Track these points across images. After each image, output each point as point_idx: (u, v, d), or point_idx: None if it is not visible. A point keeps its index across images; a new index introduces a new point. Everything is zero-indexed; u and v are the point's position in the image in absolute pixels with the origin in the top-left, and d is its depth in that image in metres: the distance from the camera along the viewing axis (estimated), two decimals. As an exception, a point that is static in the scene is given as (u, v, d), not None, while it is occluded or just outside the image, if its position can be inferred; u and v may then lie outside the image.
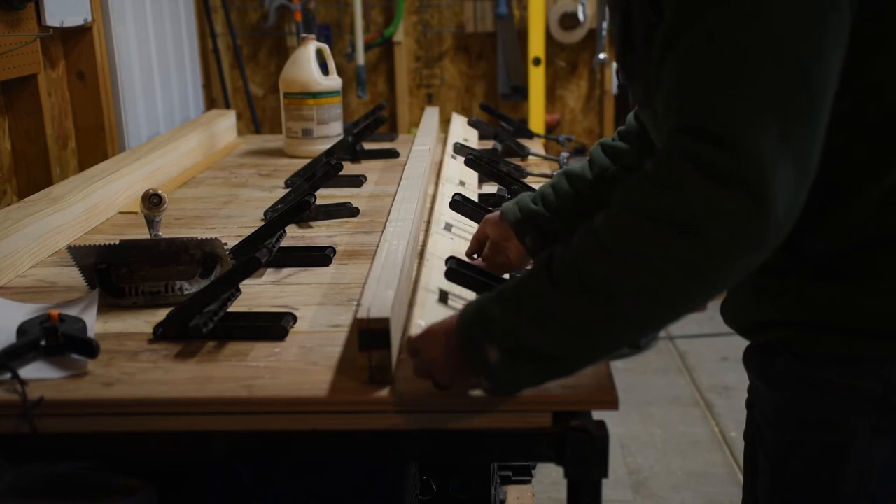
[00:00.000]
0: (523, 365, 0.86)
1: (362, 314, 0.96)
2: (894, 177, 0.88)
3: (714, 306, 1.10)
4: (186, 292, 1.22)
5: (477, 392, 0.94)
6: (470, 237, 1.39)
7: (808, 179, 0.79)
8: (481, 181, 1.87)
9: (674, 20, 0.83)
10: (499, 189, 1.74)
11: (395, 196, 1.49)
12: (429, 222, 1.53)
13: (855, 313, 0.92)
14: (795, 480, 1.00)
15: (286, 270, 1.37)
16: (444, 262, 1.23)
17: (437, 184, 1.75)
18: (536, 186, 1.71)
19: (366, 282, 1.15)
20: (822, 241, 0.92)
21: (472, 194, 1.68)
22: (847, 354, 0.93)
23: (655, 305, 0.82)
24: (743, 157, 0.76)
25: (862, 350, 0.92)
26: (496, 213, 1.32)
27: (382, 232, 1.30)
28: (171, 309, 1.13)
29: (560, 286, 0.83)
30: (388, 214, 1.40)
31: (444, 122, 2.51)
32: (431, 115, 2.39)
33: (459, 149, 1.93)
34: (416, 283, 1.25)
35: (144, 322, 1.17)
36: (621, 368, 3.20)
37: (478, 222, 1.45)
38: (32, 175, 2.02)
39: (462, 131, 2.24)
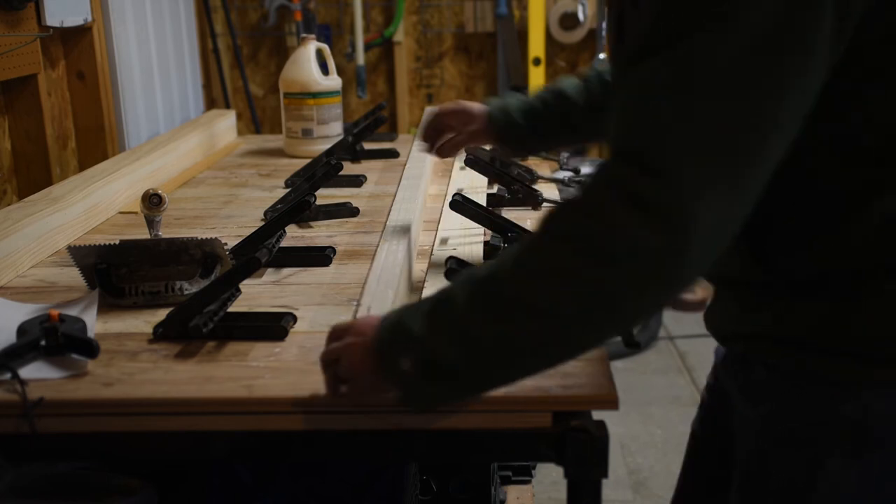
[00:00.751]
0: (438, 382, 0.85)
1: (362, 314, 0.96)
2: (888, 204, 0.86)
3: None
4: (186, 292, 1.22)
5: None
6: (470, 242, 1.39)
7: (736, 222, 0.79)
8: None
9: (643, 40, 0.82)
10: (498, 189, 1.74)
11: (394, 196, 1.50)
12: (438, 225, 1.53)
13: (839, 335, 0.90)
14: (767, 496, 0.99)
15: (286, 270, 1.37)
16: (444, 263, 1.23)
17: (448, 184, 1.76)
18: (544, 191, 1.72)
19: (366, 282, 1.15)
20: (812, 262, 0.91)
21: (482, 194, 1.69)
22: (828, 376, 0.92)
23: (569, 332, 0.81)
24: (669, 193, 0.76)
25: (843, 373, 0.91)
26: (463, 105, 1.40)
27: (382, 232, 1.30)
28: (171, 309, 1.13)
29: (477, 306, 0.82)
30: (388, 214, 1.40)
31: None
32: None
33: (469, 149, 1.93)
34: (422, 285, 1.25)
35: (144, 322, 1.17)
36: (621, 368, 3.20)
37: (479, 223, 1.45)
38: (32, 175, 2.02)
39: None
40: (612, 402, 0.95)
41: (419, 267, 1.35)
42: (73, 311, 1.13)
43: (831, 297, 0.90)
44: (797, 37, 0.77)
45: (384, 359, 0.87)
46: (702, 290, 2.66)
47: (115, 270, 1.23)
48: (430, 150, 1.45)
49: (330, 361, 0.92)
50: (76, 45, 2.21)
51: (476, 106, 1.39)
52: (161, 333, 1.11)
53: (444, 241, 1.42)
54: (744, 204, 0.79)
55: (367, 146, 2.23)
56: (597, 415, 0.97)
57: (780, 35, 0.76)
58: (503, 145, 1.42)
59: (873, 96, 0.84)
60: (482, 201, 1.60)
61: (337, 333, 0.93)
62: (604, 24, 3.63)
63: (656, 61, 0.79)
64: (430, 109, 1.42)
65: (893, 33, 0.81)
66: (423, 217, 1.62)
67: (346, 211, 1.67)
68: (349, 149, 2.17)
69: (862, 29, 0.80)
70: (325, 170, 1.78)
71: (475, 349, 0.82)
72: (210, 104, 3.45)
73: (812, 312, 0.91)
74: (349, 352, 0.90)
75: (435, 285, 1.24)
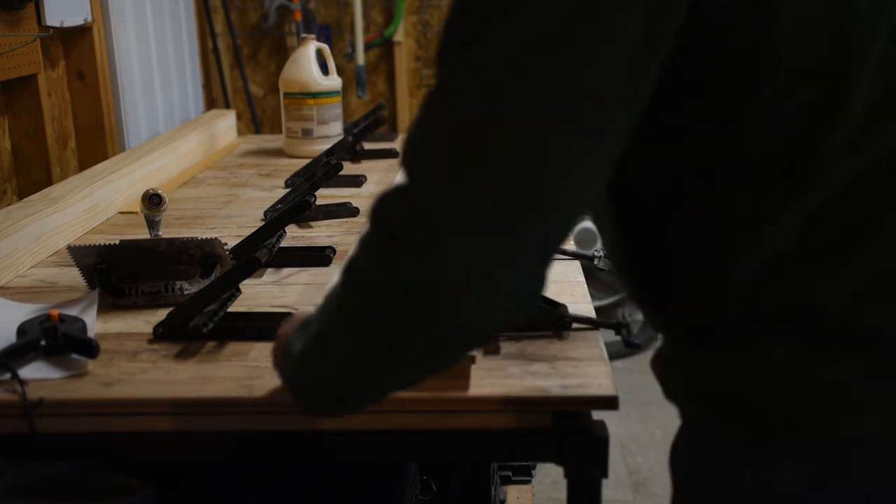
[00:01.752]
0: (304, 404, 0.86)
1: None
2: (770, 239, 0.74)
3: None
4: (186, 292, 1.22)
5: (476, 392, 0.94)
6: None
7: (524, 292, 0.71)
8: None
9: (446, 45, 0.72)
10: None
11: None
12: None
13: (734, 396, 0.78)
14: None
15: (286, 270, 1.37)
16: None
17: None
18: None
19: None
20: (701, 309, 0.80)
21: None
22: (728, 442, 0.80)
23: (362, 376, 0.79)
24: (417, 234, 0.68)
25: (740, 440, 0.79)
26: None
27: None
28: (171, 309, 1.13)
29: (316, 333, 0.81)
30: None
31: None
32: None
33: None
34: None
35: (144, 322, 1.17)
36: (621, 368, 3.20)
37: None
38: (32, 175, 2.02)
39: None
40: (612, 402, 0.95)
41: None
42: (73, 311, 1.13)
43: (721, 351, 0.79)
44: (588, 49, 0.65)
45: (279, 369, 0.89)
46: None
47: (115, 270, 1.23)
48: None
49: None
50: (76, 45, 2.21)
51: None
52: (161, 333, 1.11)
53: None
54: (529, 261, 0.70)
55: (367, 146, 2.23)
56: (597, 415, 0.97)
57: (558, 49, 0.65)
58: None
59: (744, 114, 0.72)
60: None
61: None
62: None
63: (431, 89, 0.72)
64: None
65: (758, 42, 0.70)
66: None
67: (346, 211, 1.67)
68: (349, 149, 2.17)
69: (722, 40, 0.69)
70: (325, 170, 1.78)
71: (313, 380, 0.82)
72: (210, 104, 3.45)
73: (707, 367, 0.80)
74: (274, 349, 0.92)
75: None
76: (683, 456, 0.87)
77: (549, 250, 0.71)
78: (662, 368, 0.88)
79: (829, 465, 0.76)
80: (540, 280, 0.72)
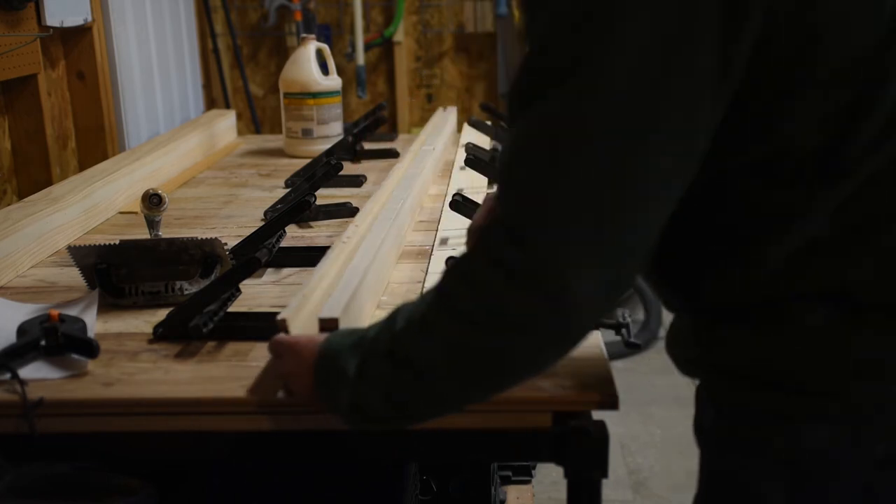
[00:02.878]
0: (370, 422, 0.88)
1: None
2: (803, 229, 0.81)
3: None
4: (186, 292, 1.22)
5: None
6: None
7: (623, 280, 0.77)
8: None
9: (511, 95, 0.80)
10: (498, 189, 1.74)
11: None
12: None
13: (765, 366, 0.85)
14: None
15: (286, 270, 1.37)
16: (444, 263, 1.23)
17: (448, 184, 1.75)
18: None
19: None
20: (734, 292, 0.86)
21: (482, 194, 1.68)
22: (759, 409, 0.86)
23: (467, 390, 0.83)
24: (536, 264, 0.74)
25: (772, 406, 0.85)
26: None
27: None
28: (171, 309, 1.13)
29: (390, 356, 0.83)
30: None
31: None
32: (444, 116, 2.39)
33: (471, 149, 1.93)
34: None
35: (144, 322, 1.17)
36: (621, 368, 3.20)
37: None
38: (32, 175, 2.02)
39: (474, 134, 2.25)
40: (612, 402, 0.95)
41: (419, 267, 1.36)
42: (73, 311, 1.13)
43: (755, 328, 0.85)
44: (668, 84, 0.73)
45: (323, 395, 0.89)
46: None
47: (115, 270, 1.23)
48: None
49: (276, 353, 0.95)
50: (76, 45, 2.21)
51: None
52: (161, 333, 1.11)
53: (444, 241, 1.42)
54: (628, 260, 0.77)
55: (367, 146, 2.23)
56: (597, 415, 0.97)
57: (645, 86, 0.72)
58: None
59: (786, 116, 0.78)
60: (482, 201, 1.60)
61: (277, 350, 0.95)
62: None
63: (521, 121, 0.77)
64: (470, 227, 1.27)
65: (798, 52, 0.76)
66: (415, 215, 1.62)
67: (346, 211, 1.67)
68: (349, 149, 2.17)
69: (767, 48, 0.75)
70: (325, 170, 1.78)
71: (388, 401, 0.84)
72: (210, 104, 3.45)
73: (737, 343, 0.87)
74: (293, 379, 0.93)
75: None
76: (710, 430, 0.93)
77: (639, 248, 0.78)
78: (683, 348, 0.94)
79: (858, 426, 0.83)
80: (631, 276, 0.79)
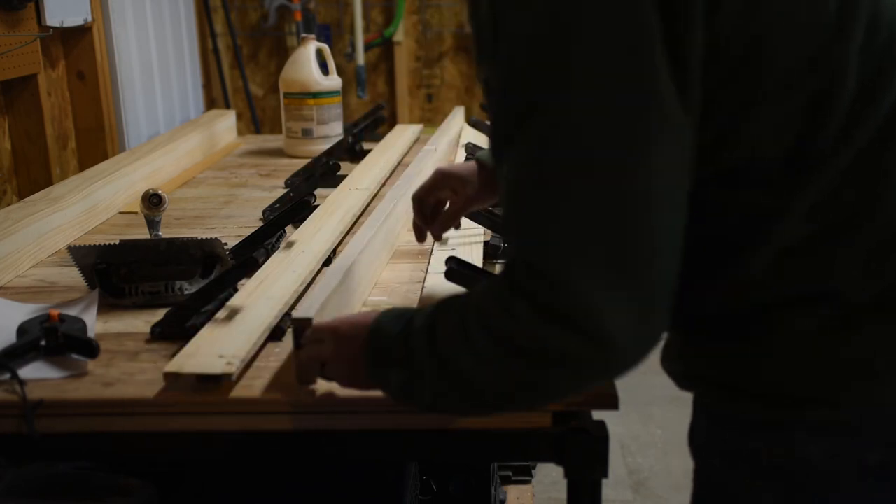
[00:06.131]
0: (414, 404, 0.87)
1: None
2: (782, 231, 0.80)
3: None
4: (186, 292, 1.22)
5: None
6: (470, 242, 1.38)
7: (657, 301, 0.75)
8: None
9: (495, 133, 0.80)
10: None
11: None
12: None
13: (754, 377, 0.84)
14: None
15: (286, 270, 1.37)
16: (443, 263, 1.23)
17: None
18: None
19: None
20: (721, 303, 0.85)
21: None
22: (749, 419, 0.86)
23: (513, 402, 0.84)
24: (570, 297, 0.73)
25: (762, 416, 0.84)
26: (445, 171, 1.25)
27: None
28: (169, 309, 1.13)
29: (434, 354, 0.82)
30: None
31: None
32: (454, 115, 2.39)
33: (471, 149, 1.93)
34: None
35: (144, 322, 1.17)
36: (621, 368, 3.19)
37: (478, 223, 1.45)
38: (32, 175, 2.02)
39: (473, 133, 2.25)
40: (612, 402, 0.95)
41: (419, 267, 1.36)
42: (73, 311, 1.13)
43: (744, 336, 0.84)
44: (638, 95, 0.73)
45: (374, 377, 0.88)
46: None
47: (115, 270, 1.23)
48: (428, 236, 1.30)
49: (317, 339, 0.94)
50: (76, 45, 2.21)
51: (461, 166, 1.27)
52: (159, 333, 1.11)
53: (444, 241, 1.42)
54: (656, 280, 0.75)
55: (367, 146, 2.23)
56: (597, 415, 0.97)
57: (616, 104, 0.73)
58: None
59: (748, 120, 0.78)
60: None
61: (317, 336, 0.94)
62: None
63: (512, 155, 0.77)
64: (414, 194, 1.26)
65: (748, 55, 0.76)
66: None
67: (345, 211, 1.67)
68: (349, 149, 2.17)
69: (717, 55, 0.75)
70: (324, 170, 1.78)
71: (436, 395, 0.84)
72: (210, 104, 3.45)
73: (724, 352, 0.86)
74: (335, 363, 0.93)
75: (435, 286, 1.24)
76: (702, 440, 0.92)
77: (666, 251, 0.76)
78: (675, 362, 0.92)
79: (850, 435, 0.82)
80: (667, 281, 0.77)
